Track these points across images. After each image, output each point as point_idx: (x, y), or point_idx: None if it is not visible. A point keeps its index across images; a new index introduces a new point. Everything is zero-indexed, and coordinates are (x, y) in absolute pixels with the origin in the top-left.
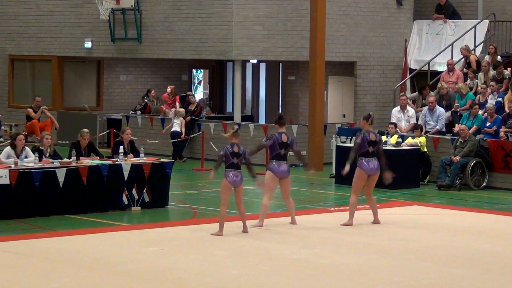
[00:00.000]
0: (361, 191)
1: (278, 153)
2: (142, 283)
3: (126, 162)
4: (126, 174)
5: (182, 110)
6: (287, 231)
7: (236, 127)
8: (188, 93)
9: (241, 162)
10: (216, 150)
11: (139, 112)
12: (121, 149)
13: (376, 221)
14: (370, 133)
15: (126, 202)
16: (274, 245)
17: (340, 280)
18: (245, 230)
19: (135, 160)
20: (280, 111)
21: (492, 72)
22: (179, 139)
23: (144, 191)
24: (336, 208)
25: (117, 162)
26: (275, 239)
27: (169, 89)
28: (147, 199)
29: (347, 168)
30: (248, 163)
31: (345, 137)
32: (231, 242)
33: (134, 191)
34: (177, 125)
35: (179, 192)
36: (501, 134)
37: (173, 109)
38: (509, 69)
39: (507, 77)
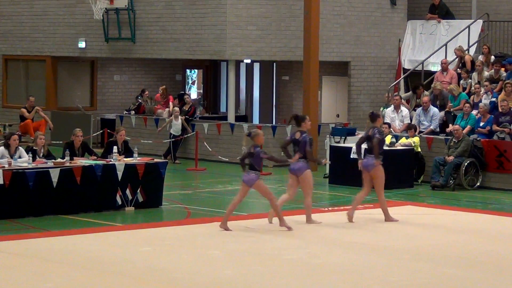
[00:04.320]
0: None
1: None
2: (136, 283)
3: (119, 162)
4: (120, 174)
5: (176, 109)
6: (281, 231)
7: (254, 130)
8: (187, 93)
9: None
10: (210, 150)
11: (133, 112)
12: (114, 149)
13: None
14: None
15: (120, 202)
16: (268, 245)
17: (334, 280)
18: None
19: (129, 160)
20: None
21: (488, 72)
22: (174, 139)
23: (138, 191)
24: (330, 208)
25: (110, 162)
26: (269, 239)
27: (160, 90)
28: (141, 199)
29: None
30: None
31: (339, 137)
32: (225, 242)
33: (128, 191)
34: (177, 127)
35: (173, 192)
36: (495, 128)
37: (167, 109)
38: (502, 69)
39: (503, 78)
